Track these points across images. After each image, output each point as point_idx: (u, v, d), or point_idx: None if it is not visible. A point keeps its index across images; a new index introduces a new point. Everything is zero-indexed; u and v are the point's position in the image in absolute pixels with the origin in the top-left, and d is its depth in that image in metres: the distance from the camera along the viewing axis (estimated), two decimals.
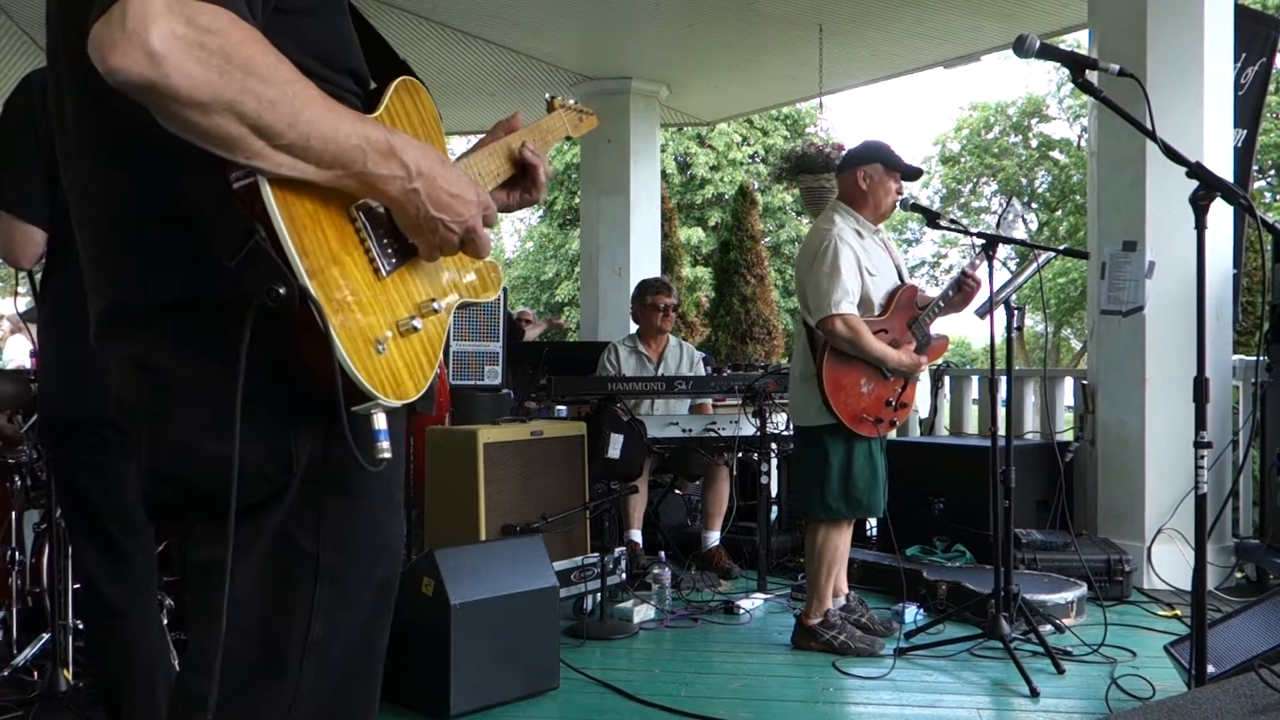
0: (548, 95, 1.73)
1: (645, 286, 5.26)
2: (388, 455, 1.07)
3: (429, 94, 1.31)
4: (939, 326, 3.66)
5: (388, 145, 1.05)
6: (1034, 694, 3.08)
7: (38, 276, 2.24)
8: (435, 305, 1.17)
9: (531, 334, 7.02)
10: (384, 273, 1.11)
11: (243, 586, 1.12)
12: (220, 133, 0.94)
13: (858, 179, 3.59)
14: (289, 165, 0.99)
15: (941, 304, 3.58)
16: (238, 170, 0.98)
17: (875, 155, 3.60)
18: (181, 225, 1.06)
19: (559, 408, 5.23)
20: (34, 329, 2.81)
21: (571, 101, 1.70)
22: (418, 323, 1.12)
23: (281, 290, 0.97)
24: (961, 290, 3.59)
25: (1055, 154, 24.41)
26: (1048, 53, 2.18)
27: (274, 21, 1.06)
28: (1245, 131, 5.20)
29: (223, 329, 1.02)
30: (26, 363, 5.26)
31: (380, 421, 1.06)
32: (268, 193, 0.99)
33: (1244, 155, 5.22)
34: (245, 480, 1.07)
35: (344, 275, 1.05)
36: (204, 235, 1.02)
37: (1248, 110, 5.20)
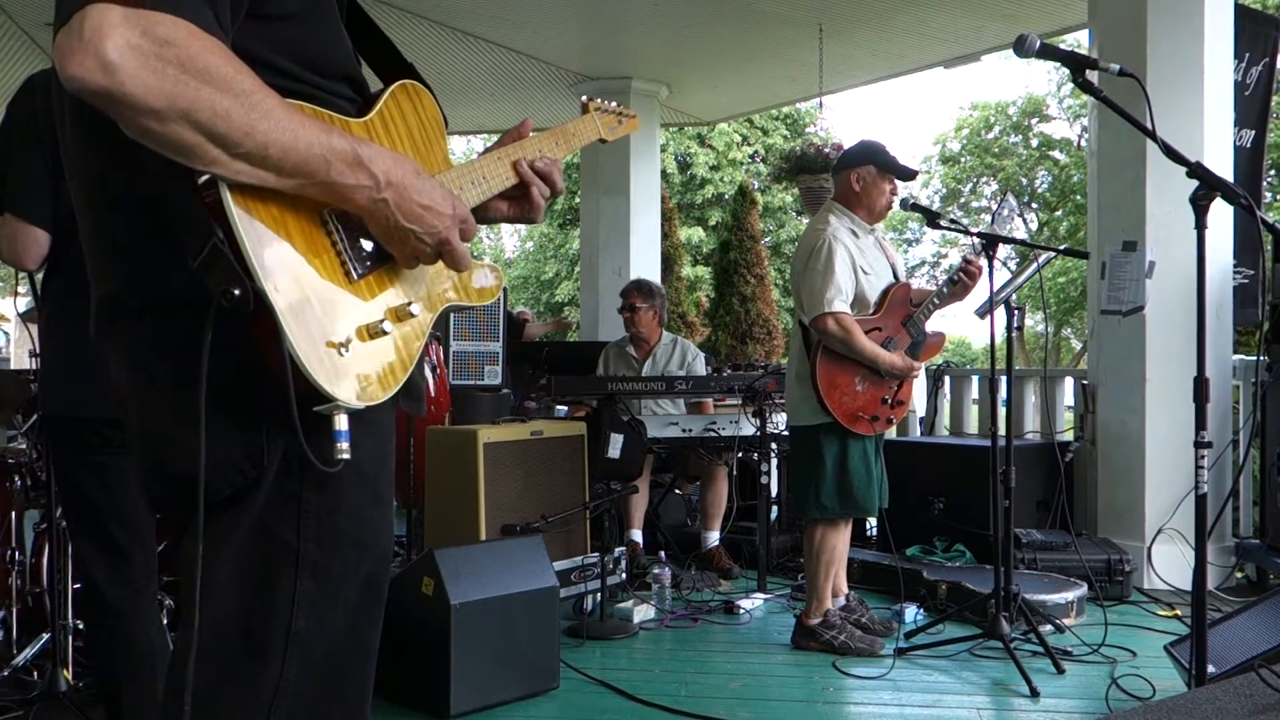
0: (584, 97, 1.71)
1: (621, 291, 5.25)
2: (346, 456, 1.08)
3: (432, 97, 1.32)
4: (936, 324, 3.66)
5: (354, 155, 1.07)
6: (1034, 694, 3.08)
7: (39, 278, 2.24)
8: (412, 309, 1.17)
9: (536, 333, 7.02)
10: (356, 276, 1.12)
11: (225, 578, 1.15)
12: (176, 140, 0.97)
13: (851, 180, 3.59)
14: (248, 173, 1.01)
15: (937, 300, 3.58)
16: (203, 175, 1.01)
17: (869, 157, 3.60)
18: (162, 225, 1.08)
19: (559, 408, 5.23)
20: (34, 329, 2.81)
21: (611, 104, 1.69)
22: (388, 326, 1.13)
23: (236, 291, 0.99)
24: (960, 281, 3.56)
25: (1055, 154, 24.41)
26: (1048, 52, 2.18)
27: (254, 28, 1.09)
28: (1253, 132, 5.19)
29: (194, 328, 1.04)
30: (26, 363, 5.26)
31: (341, 423, 1.07)
32: (227, 197, 1.01)
33: (1253, 156, 5.22)
34: (219, 473, 1.10)
35: (309, 278, 1.07)
36: (176, 236, 1.05)
37: (1253, 111, 5.20)
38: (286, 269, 1.05)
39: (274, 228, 1.05)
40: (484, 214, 1.45)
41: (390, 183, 1.09)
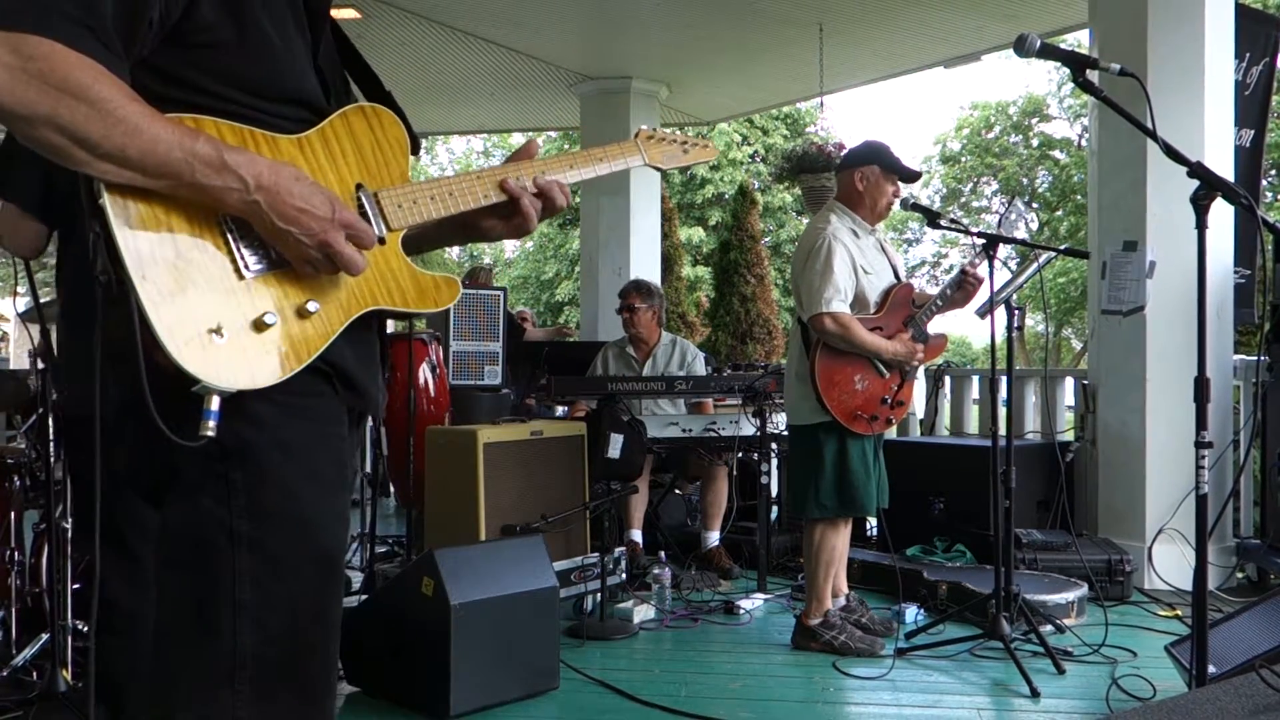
0: (642, 126, 1.69)
1: (619, 291, 5.25)
2: (210, 434, 1.16)
3: (398, 120, 1.40)
4: (937, 326, 3.65)
5: (219, 160, 1.17)
6: (1034, 694, 3.08)
7: (38, 275, 2.24)
8: (309, 306, 1.24)
9: (536, 339, 7.03)
10: (246, 272, 1.22)
11: (173, 557, 1.28)
12: (47, 142, 1.11)
13: (855, 180, 3.59)
14: (114, 173, 1.14)
15: (940, 302, 3.58)
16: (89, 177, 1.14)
17: (873, 157, 3.59)
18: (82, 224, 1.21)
19: (558, 408, 5.22)
20: (34, 329, 2.81)
21: (674, 132, 1.69)
22: (271, 318, 1.21)
23: (103, 278, 1.14)
24: (962, 289, 3.58)
25: (1056, 153, 24.40)
26: (1048, 52, 2.18)
27: (181, 54, 1.23)
28: (1253, 132, 5.19)
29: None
30: (25, 363, 5.26)
31: (213, 403, 1.16)
32: (102, 195, 1.14)
33: (1252, 156, 5.21)
34: (146, 458, 1.25)
35: (188, 270, 1.18)
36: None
37: (1253, 111, 5.20)
38: (162, 260, 1.16)
39: (154, 225, 1.17)
40: (474, 232, 1.52)
41: (261, 186, 1.19)
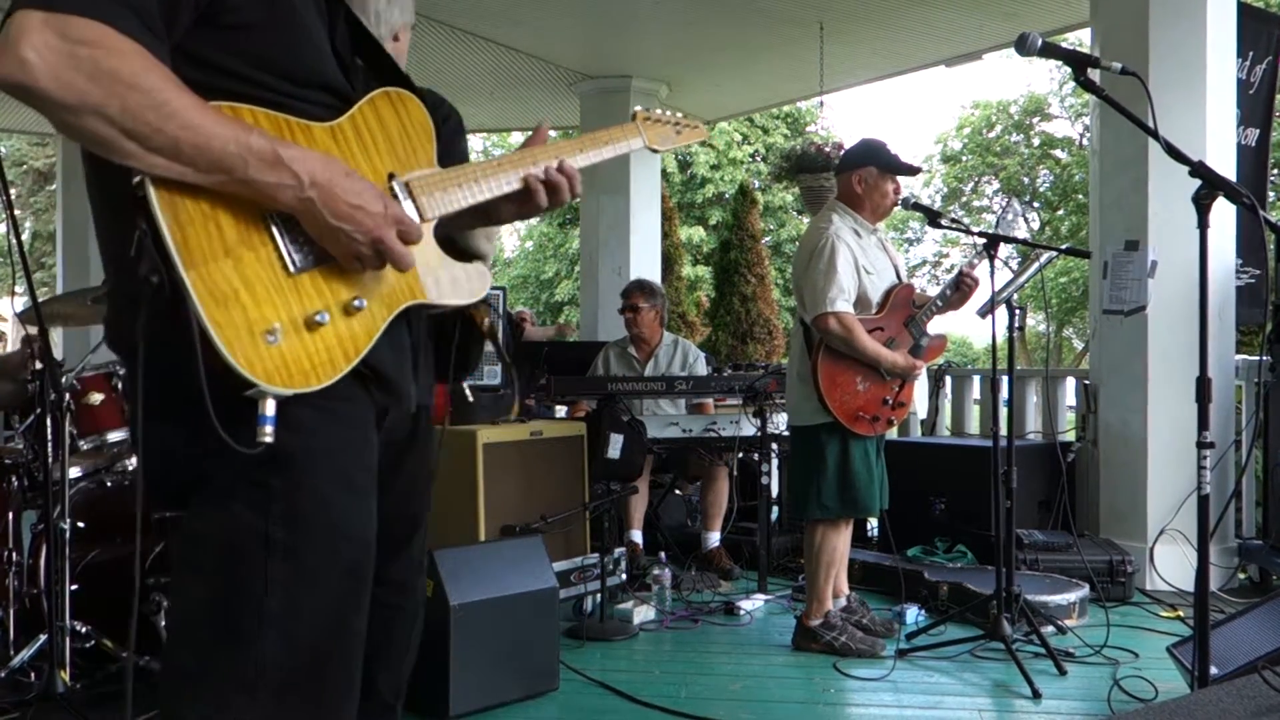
0: (636, 107, 1.71)
1: (622, 291, 5.24)
2: (268, 440, 1.11)
3: (420, 105, 1.35)
4: (937, 326, 3.65)
5: (274, 155, 1.12)
6: (1036, 695, 3.07)
7: (36, 275, 2.24)
8: (357, 304, 1.20)
9: (536, 338, 7.02)
10: (294, 269, 1.16)
11: (202, 563, 1.22)
12: (93, 133, 1.04)
13: (854, 182, 3.58)
14: (164, 167, 1.07)
15: (940, 303, 3.57)
16: (134, 171, 1.07)
17: (870, 157, 3.58)
18: (119, 220, 1.14)
19: (558, 409, 5.21)
20: (33, 329, 2.80)
21: (669, 114, 1.69)
22: (323, 317, 1.16)
23: (154, 279, 1.06)
24: (960, 289, 3.58)
25: (1057, 153, 24.38)
26: (1049, 51, 2.17)
27: (213, 36, 1.16)
28: (1258, 131, 5.18)
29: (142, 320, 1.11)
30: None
31: (268, 408, 1.11)
32: (150, 190, 1.07)
33: (1258, 155, 5.20)
34: (165, 462, 1.19)
35: (239, 270, 1.12)
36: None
37: (1258, 109, 5.19)
38: (213, 259, 1.10)
39: (203, 221, 1.10)
40: (490, 215, 1.49)
41: (315, 182, 1.14)
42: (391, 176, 1.29)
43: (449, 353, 1.69)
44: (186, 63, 1.15)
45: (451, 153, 1.45)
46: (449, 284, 1.32)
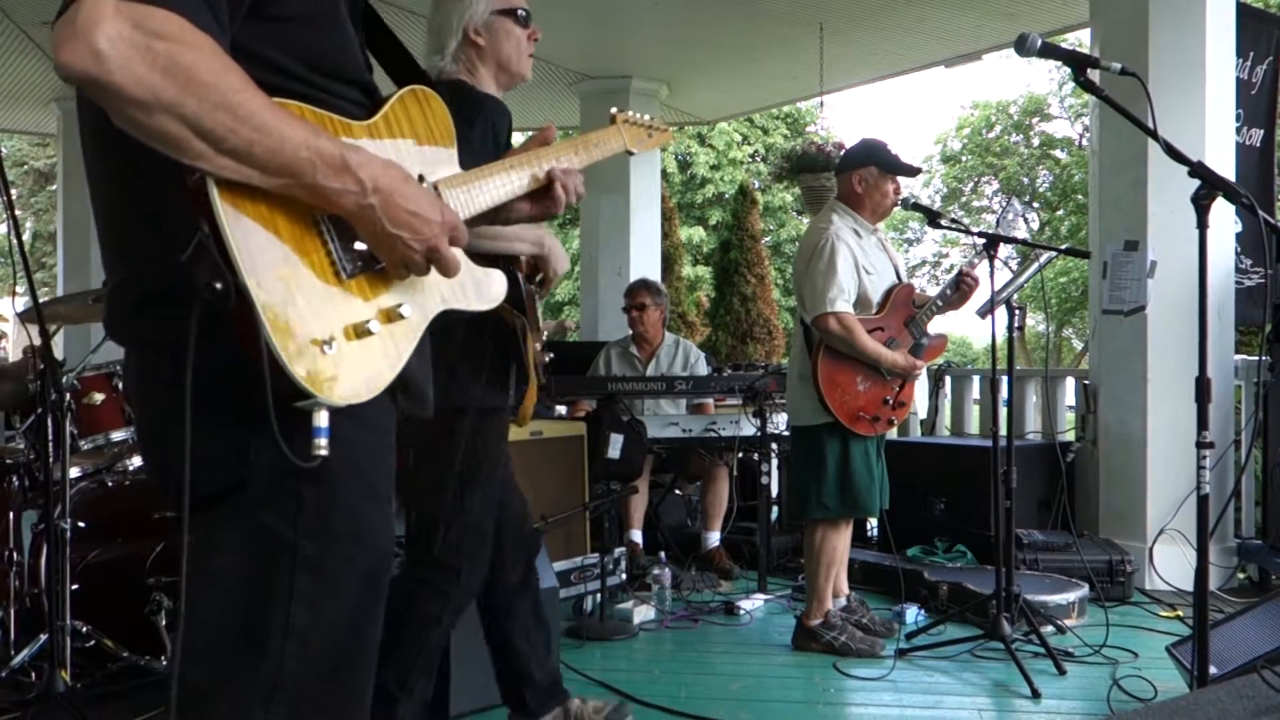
0: (613, 109, 1.73)
1: (626, 289, 5.24)
2: (324, 453, 1.08)
3: (443, 103, 1.33)
4: (937, 326, 3.65)
5: (341, 160, 1.07)
6: (1035, 695, 3.07)
7: (36, 275, 2.24)
8: (402, 311, 1.17)
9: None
10: (346, 275, 1.13)
11: (224, 573, 1.17)
12: (163, 132, 0.98)
13: (853, 183, 3.58)
14: (233, 169, 1.02)
15: (940, 303, 3.57)
16: (192, 170, 1.02)
17: (869, 157, 3.58)
18: (157, 220, 1.10)
19: (558, 409, 5.21)
20: (33, 329, 2.80)
21: (643, 116, 1.71)
22: (374, 326, 1.13)
23: (218, 285, 1.01)
24: (960, 289, 3.58)
25: (1057, 153, 24.39)
26: (1049, 51, 2.17)
27: (258, 28, 1.11)
28: (1261, 132, 5.18)
29: (185, 323, 1.05)
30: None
31: (321, 419, 1.07)
32: (213, 192, 1.02)
33: (1263, 156, 5.20)
34: (207, 470, 1.11)
35: (295, 276, 1.08)
36: (168, 231, 1.07)
37: (1260, 110, 5.19)
38: (272, 266, 1.06)
39: (262, 225, 1.06)
40: (504, 214, 1.49)
41: (378, 189, 1.10)
42: (420, 179, 1.27)
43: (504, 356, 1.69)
44: (237, 57, 1.07)
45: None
46: (473, 289, 1.31)
